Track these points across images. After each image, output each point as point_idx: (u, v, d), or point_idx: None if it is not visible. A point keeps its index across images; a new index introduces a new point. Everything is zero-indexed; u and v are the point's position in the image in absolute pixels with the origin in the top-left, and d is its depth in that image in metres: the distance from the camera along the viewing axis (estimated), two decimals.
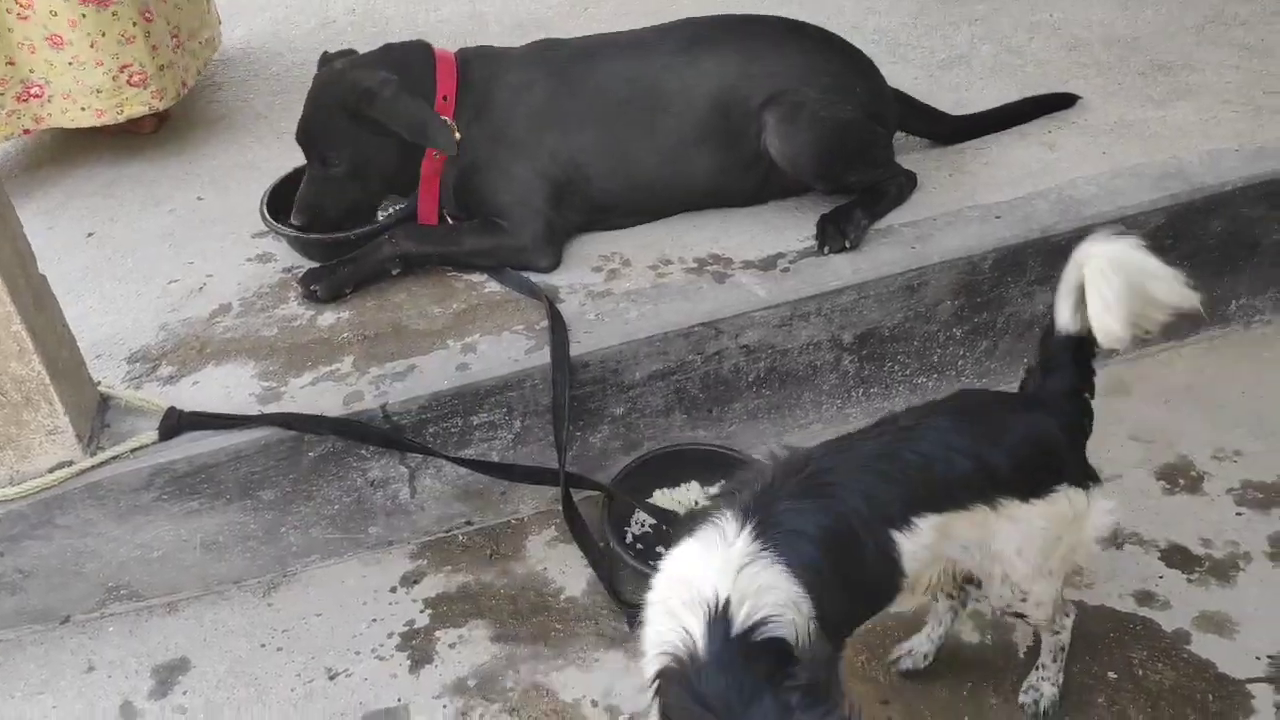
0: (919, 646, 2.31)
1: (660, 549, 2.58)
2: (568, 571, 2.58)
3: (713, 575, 1.60)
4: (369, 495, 2.55)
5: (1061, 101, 3.09)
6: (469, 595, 2.56)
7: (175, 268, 2.91)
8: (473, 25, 3.86)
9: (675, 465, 2.71)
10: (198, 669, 2.43)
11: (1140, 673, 2.28)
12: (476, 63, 2.84)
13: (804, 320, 2.64)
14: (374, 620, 2.51)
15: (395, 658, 2.44)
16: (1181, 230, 2.78)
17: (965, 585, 2.19)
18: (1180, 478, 2.67)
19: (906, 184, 2.83)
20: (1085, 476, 1.97)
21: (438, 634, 2.48)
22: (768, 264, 2.70)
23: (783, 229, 2.81)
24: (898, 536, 1.80)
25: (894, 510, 1.80)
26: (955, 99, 3.16)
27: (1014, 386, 2.85)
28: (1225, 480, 2.65)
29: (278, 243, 2.91)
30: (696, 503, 2.67)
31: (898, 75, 3.24)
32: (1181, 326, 2.94)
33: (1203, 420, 2.81)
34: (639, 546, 2.60)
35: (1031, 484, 1.89)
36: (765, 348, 2.65)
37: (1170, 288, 1.84)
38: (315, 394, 2.47)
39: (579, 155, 2.75)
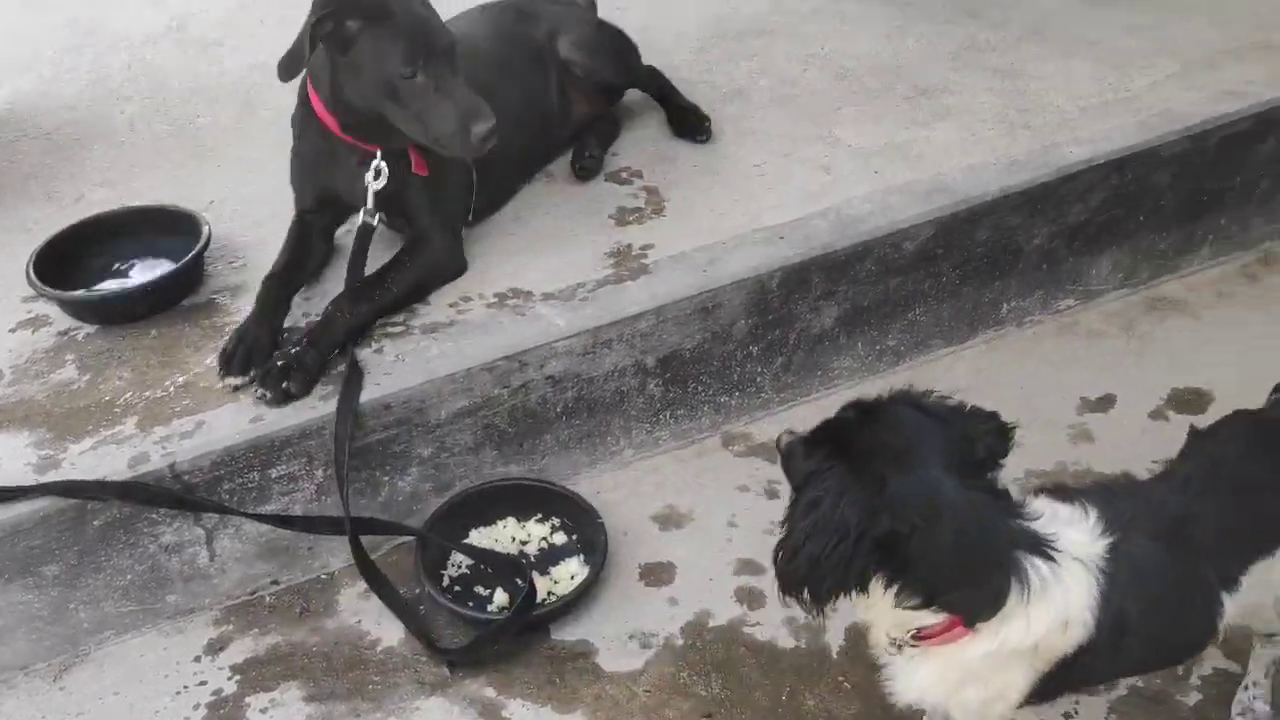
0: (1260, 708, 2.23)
1: (479, 588, 2.56)
2: (383, 622, 2.51)
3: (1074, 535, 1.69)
4: (164, 562, 2.43)
5: None
6: (279, 657, 2.46)
7: None
8: (258, 77, 3.77)
9: (489, 503, 2.69)
10: None
11: None
12: None
13: (606, 347, 2.67)
14: (178, 693, 2.38)
15: None
16: (950, 240, 2.97)
17: None
18: None
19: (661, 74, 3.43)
20: None
21: (248, 700, 2.37)
22: (567, 295, 2.72)
23: (581, 263, 2.84)
24: (1225, 599, 1.78)
25: (1225, 567, 1.78)
26: (736, 129, 3.30)
27: (811, 400, 3.03)
28: (1009, 471, 2.77)
29: (51, 306, 2.76)
30: (513, 539, 2.66)
31: None
32: (960, 330, 3.16)
33: None
34: (457, 588, 2.56)
35: None
36: (571, 377, 2.67)
37: None
38: (97, 459, 2.34)
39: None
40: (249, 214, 3.04)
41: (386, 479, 2.58)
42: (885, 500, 1.58)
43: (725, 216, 2.96)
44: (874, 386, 3.07)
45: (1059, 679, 1.74)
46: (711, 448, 2.95)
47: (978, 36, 3.76)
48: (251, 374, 2.47)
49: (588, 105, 3.23)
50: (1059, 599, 1.64)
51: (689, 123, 3.28)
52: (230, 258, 2.90)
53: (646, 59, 3.61)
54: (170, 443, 2.37)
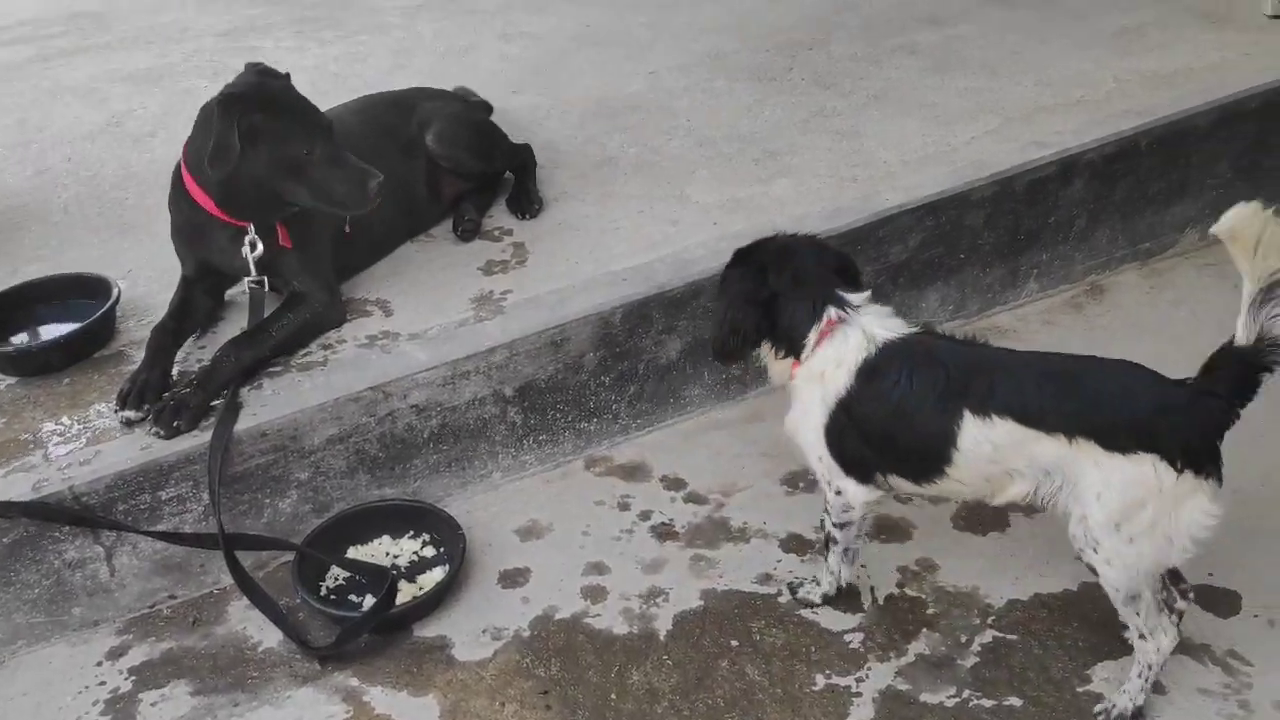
0: None
1: (353, 597, 2.87)
2: (266, 628, 2.81)
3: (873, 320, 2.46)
4: (68, 577, 2.75)
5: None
6: (172, 660, 2.76)
7: None
8: None
9: (365, 522, 3.01)
10: None
11: (758, 637, 2.70)
12: None
13: (465, 379, 3.03)
14: (80, 692, 2.68)
15: None
16: None
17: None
18: (800, 481, 3.17)
19: (530, 152, 3.83)
20: (1183, 460, 2.12)
21: (141, 696, 2.67)
22: (429, 334, 3.09)
23: (447, 307, 3.22)
24: (969, 415, 2.25)
25: (984, 397, 2.24)
26: (600, 191, 3.72)
27: (668, 425, 3.38)
28: None
29: None
30: (388, 554, 2.98)
31: (555, 177, 3.80)
32: None
33: None
34: (333, 598, 2.88)
35: (1114, 437, 2.14)
36: (434, 406, 3.02)
37: None
38: (6, 485, 2.67)
39: None
40: (161, 279, 3.41)
41: (268, 501, 2.92)
42: (764, 279, 2.46)
43: (580, 265, 3.35)
44: (725, 414, 3.47)
45: (843, 430, 2.44)
46: (575, 470, 3.29)
47: (826, 105, 4.21)
48: (145, 409, 2.82)
49: (458, 184, 3.66)
50: (839, 344, 2.41)
51: (520, 201, 3.67)
52: (141, 315, 3.27)
53: (532, 135, 4.05)
54: (70, 470, 2.71)
